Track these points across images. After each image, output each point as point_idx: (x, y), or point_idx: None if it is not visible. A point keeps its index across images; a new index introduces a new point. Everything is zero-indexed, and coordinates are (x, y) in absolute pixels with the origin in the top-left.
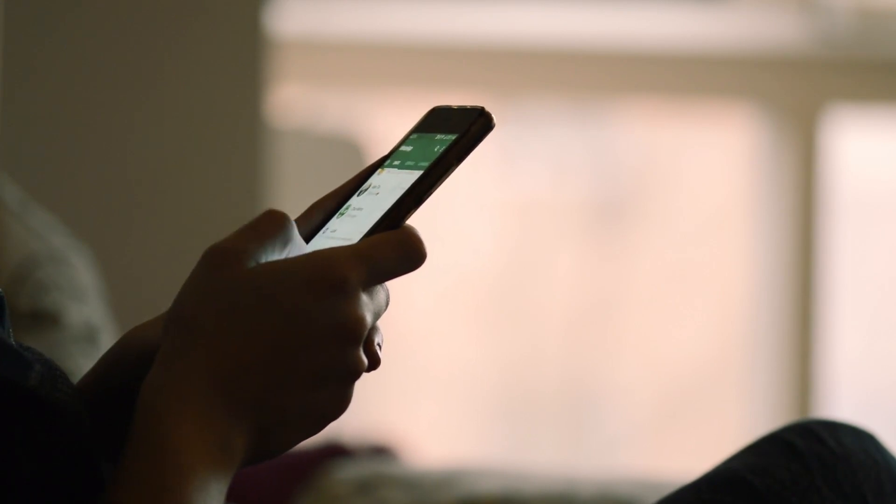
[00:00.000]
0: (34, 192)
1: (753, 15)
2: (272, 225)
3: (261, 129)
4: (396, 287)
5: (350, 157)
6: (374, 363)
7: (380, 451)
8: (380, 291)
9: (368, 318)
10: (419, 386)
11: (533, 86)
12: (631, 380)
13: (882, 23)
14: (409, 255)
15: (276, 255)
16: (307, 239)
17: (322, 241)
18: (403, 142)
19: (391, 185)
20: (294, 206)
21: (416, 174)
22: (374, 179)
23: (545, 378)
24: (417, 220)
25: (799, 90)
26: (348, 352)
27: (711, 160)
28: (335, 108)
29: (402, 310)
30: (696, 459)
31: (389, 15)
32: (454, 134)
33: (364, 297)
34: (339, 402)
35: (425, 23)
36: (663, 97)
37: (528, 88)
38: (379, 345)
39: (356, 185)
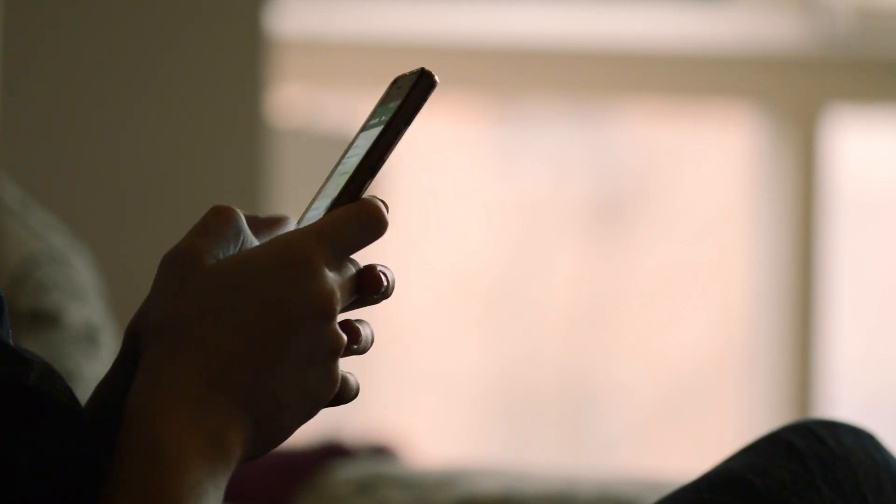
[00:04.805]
0: (34, 192)
1: (753, 15)
2: (220, 220)
3: (261, 129)
4: (396, 287)
5: None
6: (356, 339)
7: (380, 451)
8: (349, 267)
9: (338, 292)
10: (419, 386)
11: (533, 86)
12: (631, 380)
13: (882, 23)
14: (368, 225)
15: (230, 249)
16: (299, 220)
17: (306, 220)
18: (371, 116)
19: (354, 160)
20: (294, 205)
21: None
22: (348, 153)
23: (545, 378)
24: (417, 219)
25: (799, 90)
26: (324, 328)
27: (711, 160)
28: (335, 108)
29: (401, 310)
30: (696, 459)
31: (389, 15)
32: (400, 99)
33: (330, 274)
34: (328, 381)
35: (425, 23)
36: (663, 97)
37: (528, 88)
38: (364, 331)
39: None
